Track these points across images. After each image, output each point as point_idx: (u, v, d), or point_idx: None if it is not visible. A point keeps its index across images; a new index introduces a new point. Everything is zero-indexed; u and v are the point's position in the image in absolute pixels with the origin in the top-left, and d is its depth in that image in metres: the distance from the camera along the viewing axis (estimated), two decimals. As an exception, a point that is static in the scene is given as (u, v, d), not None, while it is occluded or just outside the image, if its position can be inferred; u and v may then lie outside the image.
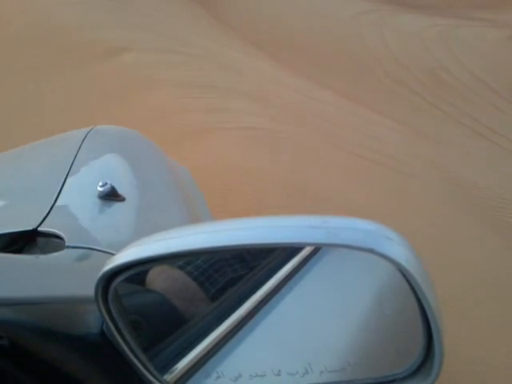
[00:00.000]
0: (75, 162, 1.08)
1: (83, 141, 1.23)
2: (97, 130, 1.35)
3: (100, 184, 0.89)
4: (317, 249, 0.50)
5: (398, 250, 0.39)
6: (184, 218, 1.02)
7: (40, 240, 0.78)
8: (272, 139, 3.68)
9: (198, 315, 0.51)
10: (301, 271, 0.49)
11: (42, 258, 0.63)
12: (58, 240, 0.73)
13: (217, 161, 3.33)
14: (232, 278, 0.52)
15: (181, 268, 0.51)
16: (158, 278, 0.50)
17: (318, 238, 0.38)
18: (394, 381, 0.44)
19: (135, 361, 0.45)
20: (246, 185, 3.06)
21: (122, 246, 0.76)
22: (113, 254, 0.72)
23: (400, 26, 8.19)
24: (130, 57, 4.28)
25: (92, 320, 0.47)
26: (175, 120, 3.64)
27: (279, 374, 0.42)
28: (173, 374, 0.45)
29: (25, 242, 0.82)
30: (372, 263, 0.46)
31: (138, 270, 0.43)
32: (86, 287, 0.50)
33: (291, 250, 0.51)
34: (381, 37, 7.82)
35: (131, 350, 0.45)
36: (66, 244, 0.69)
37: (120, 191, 0.93)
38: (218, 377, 0.44)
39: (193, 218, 1.09)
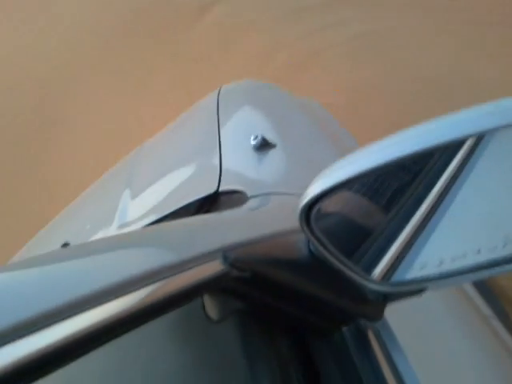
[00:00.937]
0: (221, 125, 1.20)
1: (218, 104, 1.35)
2: (225, 90, 1.45)
3: (252, 138, 1.00)
4: (479, 138, 0.51)
5: None
6: (331, 147, 1.08)
7: (222, 199, 0.91)
8: (384, 42, 3.46)
9: (380, 223, 0.57)
10: (471, 160, 0.50)
11: (241, 209, 0.75)
12: (238, 195, 0.85)
13: (333, 81, 3.28)
14: (400, 185, 0.55)
15: (348, 189, 0.55)
16: (329, 204, 0.55)
17: (495, 121, 0.41)
18: None
19: (344, 268, 0.54)
20: (371, 96, 2.99)
21: (290, 185, 0.86)
22: (287, 194, 0.82)
23: None
24: (220, 8, 4.33)
25: (300, 246, 0.57)
26: (281, 56, 3.64)
27: (479, 252, 0.47)
28: (378, 271, 0.54)
29: (209, 205, 0.96)
30: None
31: (331, 196, 0.50)
32: (284, 222, 0.61)
33: (452, 148, 0.52)
34: None
35: (339, 260, 0.54)
36: (249, 195, 0.80)
37: (269, 139, 1.02)
38: (422, 267, 0.50)
39: (337, 144, 1.15)
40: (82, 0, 5.64)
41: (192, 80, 3.73)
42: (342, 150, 1.11)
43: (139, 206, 1.07)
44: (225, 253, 0.47)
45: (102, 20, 5.08)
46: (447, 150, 0.52)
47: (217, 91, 1.46)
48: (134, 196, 1.15)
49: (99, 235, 1.05)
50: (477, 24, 3.45)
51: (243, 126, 1.16)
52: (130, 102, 3.91)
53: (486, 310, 0.85)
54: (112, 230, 1.01)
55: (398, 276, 0.54)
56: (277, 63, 3.58)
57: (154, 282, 0.38)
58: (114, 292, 0.35)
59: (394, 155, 0.44)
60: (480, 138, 0.48)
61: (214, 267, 0.44)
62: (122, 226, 1.00)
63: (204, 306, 0.61)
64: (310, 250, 0.57)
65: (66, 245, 1.03)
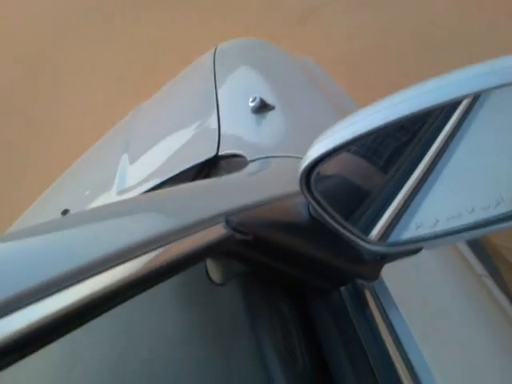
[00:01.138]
0: (218, 87, 1.18)
1: (214, 64, 1.32)
2: (221, 49, 1.42)
3: (250, 100, 0.99)
4: (475, 98, 0.51)
5: None
6: (330, 109, 1.07)
7: (222, 163, 0.91)
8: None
9: (378, 185, 0.57)
10: (466, 120, 0.50)
11: (241, 174, 0.75)
12: (238, 159, 0.85)
13: (331, 40, 3.22)
14: (397, 145, 0.56)
15: (347, 151, 0.55)
16: (328, 167, 0.55)
17: (491, 81, 0.41)
18: None
19: (342, 230, 0.55)
20: (369, 55, 2.94)
21: (289, 148, 0.86)
22: (287, 157, 0.82)
23: None
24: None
25: (300, 209, 0.58)
26: (279, 11, 3.55)
27: (473, 211, 0.48)
28: (375, 232, 0.55)
29: (208, 169, 0.96)
30: None
31: (330, 158, 0.51)
32: (284, 185, 0.62)
33: (449, 108, 0.53)
34: None
35: (337, 222, 0.55)
36: (249, 159, 0.81)
37: (267, 101, 1.01)
38: (418, 227, 0.52)
39: (336, 105, 1.14)
40: None
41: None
42: (340, 111, 1.11)
43: (138, 171, 1.07)
44: (227, 217, 0.48)
45: None
46: (444, 110, 0.52)
47: (213, 50, 1.43)
48: (132, 161, 1.15)
49: (99, 201, 1.06)
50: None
51: (241, 88, 1.14)
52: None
53: (480, 269, 0.88)
54: (112, 196, 1.01)
55: (394, 237, 0.55)
56: (274, 20, 3.50)
57: (157, 248, 0.39)
58: (118, 258, 0.36)
59: (392, 117, 0.44)
60: (476, 98, 0.48)
61: (217, 231, 0.45)
62: (121, 192, 1.00)
63: (207, 270, 0.63)
64: (309, 213, 0.58)
65: (66, 211, 1.04)
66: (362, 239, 0.56)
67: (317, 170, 0.52)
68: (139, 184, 0.99)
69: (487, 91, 0.46)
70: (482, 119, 0.50)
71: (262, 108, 0.99)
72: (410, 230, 0.53)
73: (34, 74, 4.41)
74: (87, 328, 0.33)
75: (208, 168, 0.95)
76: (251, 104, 0.99)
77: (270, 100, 1.02)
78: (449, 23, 2.92)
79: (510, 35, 2.55)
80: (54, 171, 1.73)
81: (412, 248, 0.55)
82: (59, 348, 0.66)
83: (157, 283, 0.39)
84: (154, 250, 0.39)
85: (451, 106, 0.49)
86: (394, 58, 2.83)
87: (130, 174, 1.09)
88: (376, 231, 0.55)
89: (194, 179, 0.96)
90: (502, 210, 0.47)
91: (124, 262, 0.36)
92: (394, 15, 3.17)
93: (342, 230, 0.55)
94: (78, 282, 0.33)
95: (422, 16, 3.07)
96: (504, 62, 0.42)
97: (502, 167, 0.49)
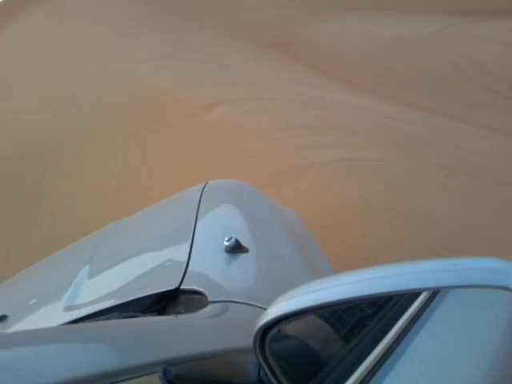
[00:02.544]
0: (198, 219, 1.18)
1: (201, 198, 1.35)
2: (210, 185, 1.46)
3: (226, 239, 0.98)
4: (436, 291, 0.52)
5: None
6: (302, 263, 1.07)
7: (182, 297, 0.87)
8: (366, 168, 3.66)
9: (335, 356, 0.54)
10: (427, 310, 0.51)
11: (197, 315, 0.71)
12: (199, 296, 0.81)
13: (314, 196, 3.38)
14: (360, 317, 0.55)
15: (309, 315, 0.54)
16: (287, 327, 0.54)
17: (453, 281, 0.41)
18: None
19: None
20: (346, 218, 3.06)
21: (253, 295, 0.83)
22: (249, 305, 0.79)
23: (480, 35, 7.84)
24: (222, 109, 4.56)
25: (249, 369, 0.53)
26: (270, 162, 3.78)
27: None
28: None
29: (167, 300, 0.91)
30: (492, 299, 0.48)
31: (291, 321, 0.48)
32: (237, 339, 0.57)
33: (411, 296, 0.54)
34: (463, 49, 7.54)
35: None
36: (210, 300, 0.77)
37: (243, 243, 1.01)
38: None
39: (308, 261, 1.14)
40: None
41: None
42: (312, 269, 1.10)
43: (94, 288, 1.01)
44: (166, 367, 0.43)
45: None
46: (407, 296, 0.53)
47: (203, 185, 1.47)
48: (91, 275, 1.09)
49: (41, 314, 0.98)
50: (443, 169, 3.71)
51: (220, 225, 1.15)
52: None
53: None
54: (57, 311, 0.93)
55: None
56: (264, 169, 3.71)
57: None
58: None
59: (351, 295, 0.44)
60: (436, 292, 0.49)
61: (150, 382, 0.40)
62: (69, 308, 0.93)
63: None
64: (259, 376, 0.53)
65: (3, 317, 0.95)
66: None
67: (275, 328, 0.49)
68: (91, 303, 0.93)
69: (446, 288, 0.46)
70: (436, 319, 0.50)
71: (236, 249, 0.98)
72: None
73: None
74: None
75: (166, 299, 0.91)
76: (226, 243, 0.98)
77: (245, 242, 1.01)
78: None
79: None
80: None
81: None
82: None
83: None
84: None
85: (412, 294, 0.49)
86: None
87: (84, 288, 1.03)
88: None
89: (149, 307, 0.90)
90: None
91: None
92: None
93: None
94: None
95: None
96: (470, 264, 0.43)
97: (454, 372, 0.48)
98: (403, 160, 3.82)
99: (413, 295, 0.53)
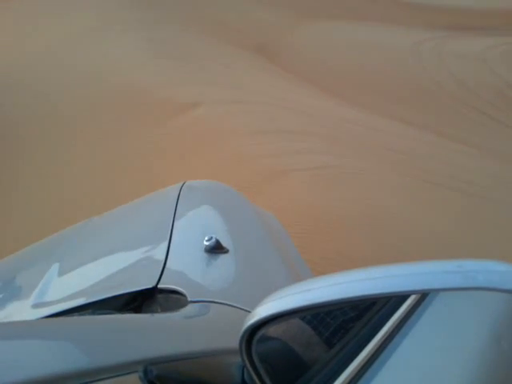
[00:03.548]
0: (176, 219, 1.15)
1: (178, 197, 1.31)
2: (188, 185, 1.43)
3: (206, 238, 0.95)
4: (425, 294, 0.52)
5: None
6: (282, 265, 1.05)
7: (159, 297, 0.83)
8: (343, 175, 3.68)
9: (321, 359, 0.53)
10: (415, 314, 0.50)
11: (177, 314, 0.68)
12: (177, 296, 0.78)
13: (292, 202, 3.37)
14: (343, 320, 0.53)
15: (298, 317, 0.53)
16: (275, 328, 0.53)
17: (457, 282, 0.40)
18: None
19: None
20: (323, 224, 3.06)
21: (234, 296, 0.81)
22: (229, 305, 0.76)
23: (460, 50, 8.06)
24: (202, 110, 4.52)
25: (233, 371, 0.50)
26: (249, 166, 3.75)
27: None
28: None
29: (143, 299, 0.88)
30: (485, 302, 0.47)
31: (278, 322, 0.46)
32: (220, 340, 0.55)
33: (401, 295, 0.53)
34: (442, 63, 7.73)
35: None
36: (189, 299, 0.74)
37: (223, 243, 0.98)
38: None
39: (288, 263, 1.12)
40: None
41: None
42: (292, 271, 1.09)
43: (64, 286, 0.96)
44: (147, 366, 0.40)
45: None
46: (394, 298, 0.52)
47: (180, 184, 1.44)
48: (62, 272, 1.04)
49: (8, 311, 0.92)
50: (430, 182, 3.77)
51: (199, 224, 1.12)
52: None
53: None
54: (24, 308, 0.88)
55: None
56: (241, 173, 3.69)
57: None
58: None
59: (339, 296, 0.42)
60: (425, 295, 0.48)
61: (130, 382, 0.37)
62: (37, 306, 0.88)
63: None
64: (242, 378, 0.50)
65: None
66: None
67: (263, 329, 0.47)
68: (62, 300, 0.88)
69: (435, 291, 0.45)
70: (424, 322, 0.50)
71: (216, 249, 0.95)
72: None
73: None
74: None
75: (142, 298, 0.87)
76: (206, 242, 0.95)
77: (225, 243, 0.99)
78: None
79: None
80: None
81: None
82: None
83: None
84: None
85: (400, 297, 0.48)
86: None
87: (55, 286, 0.98)
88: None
89: (124, 306, 0.86)
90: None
91: None
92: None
93: None
94: None
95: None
96: (474, 265, 0.42)
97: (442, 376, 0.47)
98: (382, 170, 3.86)
99: (401, 298, 0.51)
